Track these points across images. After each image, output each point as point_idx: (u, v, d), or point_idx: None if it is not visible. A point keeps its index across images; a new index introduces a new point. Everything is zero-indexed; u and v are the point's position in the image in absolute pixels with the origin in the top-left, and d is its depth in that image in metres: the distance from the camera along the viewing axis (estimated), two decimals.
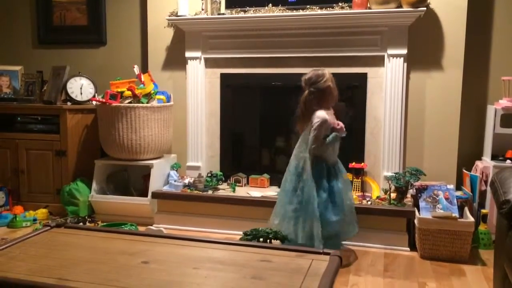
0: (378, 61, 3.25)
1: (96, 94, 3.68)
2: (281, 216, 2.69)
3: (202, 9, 3.46)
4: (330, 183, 2.63)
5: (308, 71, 2.68)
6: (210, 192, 3.30)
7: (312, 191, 2.58)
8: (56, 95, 3.65)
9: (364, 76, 3.29)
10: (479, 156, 3.26)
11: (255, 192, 3.29)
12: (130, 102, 3.36)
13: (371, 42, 3.23)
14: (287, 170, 2.76)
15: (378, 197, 3.08)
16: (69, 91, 3.65)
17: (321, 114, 2.59)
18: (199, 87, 3.57)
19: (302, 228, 2.59)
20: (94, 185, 3.46)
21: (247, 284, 1.43)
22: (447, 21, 3.15)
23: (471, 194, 3.02)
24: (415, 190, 2.91)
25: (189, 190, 3.32)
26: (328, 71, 2.68)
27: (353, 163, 3.26)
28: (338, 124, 2.65)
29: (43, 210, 3.49)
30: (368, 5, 3.13)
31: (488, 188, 2.92)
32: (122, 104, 3.31)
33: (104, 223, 3.23)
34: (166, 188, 3.42)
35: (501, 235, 1.96)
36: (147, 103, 3.38)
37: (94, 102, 3.56)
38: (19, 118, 3.67)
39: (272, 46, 3.41)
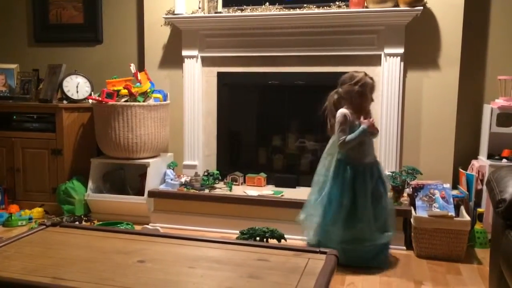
0: (375, 60, 3.26)
1: (92, 93, 3.67)
2: (307, 214, 2.67)
3: (199, 8, 3.45)
4: (357, 186, 2.52)
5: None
6: (206, 191, 3.30)
7: (327, 194, 2.54)
8: (52, 94, 3.63)
9: None
10: (475, 155, 3.27)
11: (252, 191, 3.29)
12: (126, 101, 3.35)
13: (368, 41, 3.23)
14: (316, 171, 2.71)
15: None
16: (65, 89, 3.63)
17: (341, 110, 2.56)
18: (196, 85, 3.57)
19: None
20: (90, 184, 3.44)
21: (244, 283, 1.43)
22: (444, 20, 3.16)
23: (467, 193, 3.02)
24: (411, 189, 2.91)
25: (185, 189, 3.32)
26: (365, 76, 2.57)
27: None
28: (365, 118, 2.56)
29: (38, 209, 3.48)
30: (365, 4, 3.13)
31: (484, 187, 2.93)
32: (118, 103, 3.30)
33: (100, 222, 3.22)
34: (162, 187, 3.41)
35: (497, 234, 1.96)
36: (144, 101, 3.37)
37: (90, 101, 3.54)
38: (15, 117, 3.65)
39: (269, 45, 3.40)
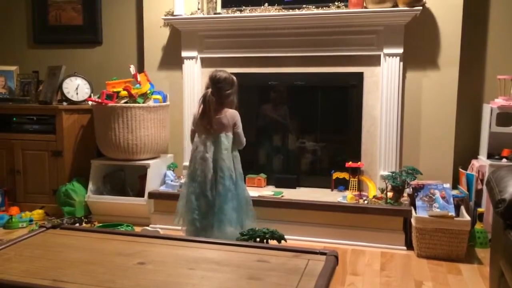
0: (375, 60, 3.26)
1: (92, 94, 3.67)
2: None
3: (198, 9, 3.45)
4: None
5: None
6: None
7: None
8: (52, 95, 3.63)
9: (360, 75, 3.30)
10: (475, 155, 3.27)
11: (252, 192, 3.28)
12: (126, 102, 3.35)
13: (367, 42, 3.23)
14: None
15: (374, 196, 3.08)
16: (65, 91, 3.63)
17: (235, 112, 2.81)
18: (196, 86, 3.57)
19: None
20: (90, 186, 3.45)
21: (243, 284, 1.43)
22: (443, 20, 3.15)
23: (467, 193, 3.03)
24: (411, 189, 2.92)
25: None
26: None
27: (350, 162, 3.27)
28: None
29: (39, 211, 3.48)
30: (364, 4, 3.13)
31: (484, 187, 2.92)
32: (118, 104, 3.30)
33: (100, 224, 3.22)
34: (162, 188, 3.41)
35: (497, 234, 1.96)
36: (143, 103, 3.37)
37: (90, 102, 3.55)
38: (14, 119, 3.65)
39: (269, 45, 3.40)
